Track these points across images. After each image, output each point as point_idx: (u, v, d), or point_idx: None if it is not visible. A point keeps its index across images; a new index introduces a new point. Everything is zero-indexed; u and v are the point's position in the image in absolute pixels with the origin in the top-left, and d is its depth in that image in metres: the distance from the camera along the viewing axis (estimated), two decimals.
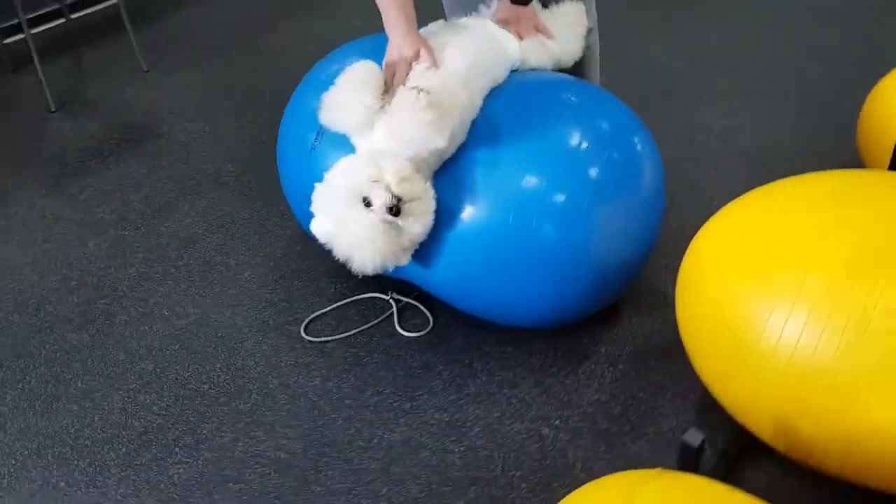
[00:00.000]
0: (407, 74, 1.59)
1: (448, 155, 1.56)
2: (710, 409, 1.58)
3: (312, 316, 1.88)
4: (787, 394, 1.26)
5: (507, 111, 1.60)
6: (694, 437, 1.18)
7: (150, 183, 2.42)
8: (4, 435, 1.66)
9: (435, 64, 1.58)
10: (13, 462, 1.60)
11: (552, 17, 1.81)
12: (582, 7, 1.83)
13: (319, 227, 1.59)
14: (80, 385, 1.76)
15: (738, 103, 2.62)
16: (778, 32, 3.03)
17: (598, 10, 1.92)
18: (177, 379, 1.76)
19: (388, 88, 1.56)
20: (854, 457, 1.24)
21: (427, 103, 1.42)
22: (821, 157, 2.31)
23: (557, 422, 1.60)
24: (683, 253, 1.49)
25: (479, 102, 1.59)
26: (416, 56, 1.59)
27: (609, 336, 1.78)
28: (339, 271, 2.00)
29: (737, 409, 1.39)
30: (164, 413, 1.68)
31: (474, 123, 1.58)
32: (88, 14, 3.52)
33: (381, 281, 1.87)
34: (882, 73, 2.10)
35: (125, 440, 1.63)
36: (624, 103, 1.69)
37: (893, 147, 1.80)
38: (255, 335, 1.86)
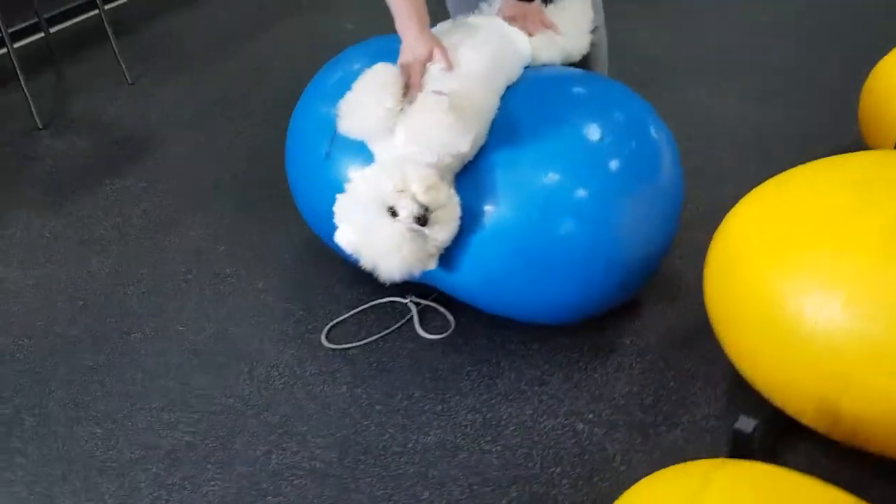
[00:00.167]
0: (422, 75, 1.58)
1: (469, 157, 1.55)
2: (741, 394, 1.59)
3: (332, 323, 1.86)
4: (829, 374, 1.28)
5: (524, 109, 1.60)
6: (746, 423, 1.18)
7: (149, 197, 2.38)
8: (27, 461, 1.62)
9: (450, 64, 1.57)
10: (40, 490, 1.56)
11: (557, 13, 1.81)
12: (587, 1, 1.83)
13: (344, 238, 1.58)
14: (100, 407, 1.72)
15: (733, 86, 2.64)
16: (771, 13, 3.06)
17: None
18: (201, 395, 1.73)
19: (406, 91, 1.55)
20: None
21: (449, 107, 1.41)
22: (820, 136, 2.34)
23: (591, 416, 1.60)
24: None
25: (496, 102, 1.58)
26: (430, 56, 1.58)
27: (632, 328, 1.79)
28: (353, 277, 1.98)
29: (775, 392, 1.40)
30: (191, 430, 1.65)
31: (492, 123, 1.57)
32: (68, 27, 3.45)
33: (397, 284, 1.85)
34: (879, 51, 2.13)
35: (154, 460, 1.60)
36: (638, 94, 1.69)
37: None
38: (275, 346, 1.83)
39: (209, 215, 2.28)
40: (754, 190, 1.48)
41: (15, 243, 2.24)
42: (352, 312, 1.89)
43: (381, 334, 1.83)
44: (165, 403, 1.72)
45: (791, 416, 1.41)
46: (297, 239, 2.16)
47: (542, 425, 1.59)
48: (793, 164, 1.54)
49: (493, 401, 1.66)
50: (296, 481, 1.53)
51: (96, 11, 3.08)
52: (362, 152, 1.63)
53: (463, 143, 1.46)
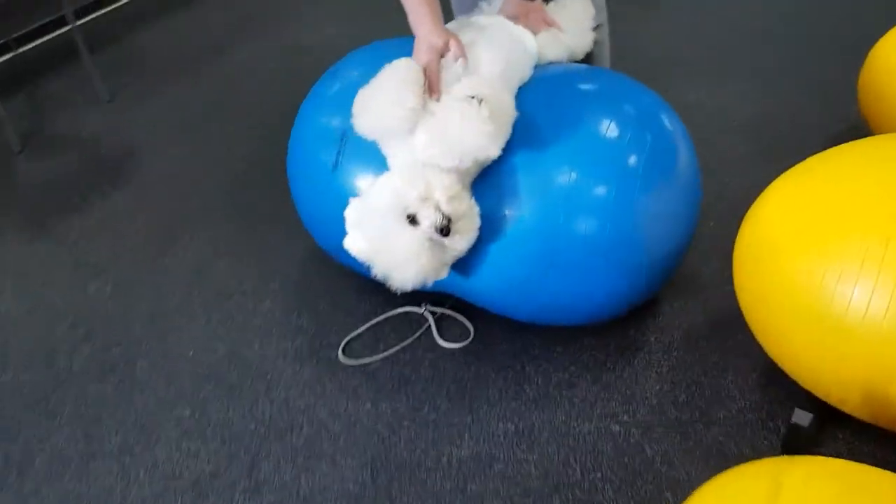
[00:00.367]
0: (437, 67, 1.52)
1: (489, 162, 1.51)
2: (774, 386, 1.57)
3: (348, 338, 1.81)
4: (876, 362, 1.26)
5: (538, 108, 1.56)
6: (803, 417, 1.16)
7: (141, 216, 2.30)
8: (41, 503, 1.55)
9: (465, 56, 1.53)
10: None
11: (558, 10, 1.78)
12: None
13: (355, 245, 1.53)
14: (114, 440, 1.65)
15: (727, 79, 2.64)
16: (760, 5, 3.07)
17: None
18: (219, 421, 1.67)
19: (428, 90, 1.49)
20: None
21: (489, 113, 1.37)
22: (821, 126, 2.34)
23: (625, 417, 1.57)
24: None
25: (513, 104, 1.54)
26: (446, 46, 1.52)
27: (655, 324, 1.76)
28: (362, 288, 1.93)
29: (818, 382, 1.37)
30: (213, 458, 1.59)
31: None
32: (38, 45, 3.34)
33: (409, 293, 1.80)
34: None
35: (178, 492, 1.53)
36: (649, 88, 1.66)
37: None
38: (291, 365, 1.77)
39: (206, 231, 2.21)
40: (782, 176, 1.46)
41: (5, 271, 2.16)
42: (367, 325, 1.84)
43: (399, 346, 1.78)
44: (182, 432, 1.65)
45: (832, 406, 1.39)
46: (299, 251, 2.10)
47: (577, 430, 1.56)
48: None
49: (523, 408, 1.62)
50: None
51: (65, 29, 2.98)
52: (372, 162, 1.58)
53: (495, 149, 1.42)
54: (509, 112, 1.45)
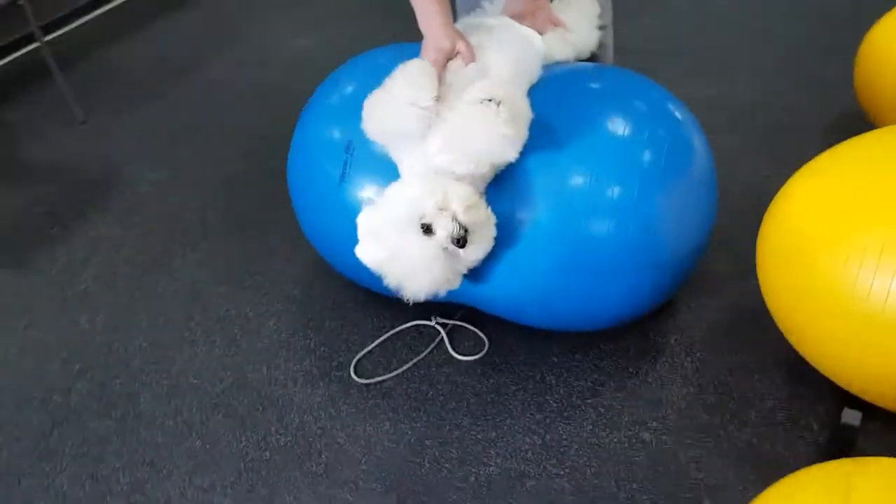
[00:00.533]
0: (444, 67, 1.48)
1: (504, 166, 1.46)
2: (802, 383, 1.55)
3: (359, 356, 1.75)
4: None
5: (550, 109, 1.51)
6: (852, 416, 1.13)
7: (129, 241, 2.21)
8: None
9: (474, 57, 1.48)
10: None
11: (563, 9, 1.74)
12: None
13: (367, 254, 1.47)
14: (122, 479, 1.57)
15: (720, 70, 2.63)
16: (760, 5, 3.07)
17: None
18: (232, 452, 1.59)
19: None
20: None
21: (509, 117, 1.32)
22: (818, 114, 2.33)
23: (655, 423, 1.53)
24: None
25: None
26: (454, 48, 1.48)
27: (674, 326, 1.73)
28: (368, 303, 1.88)
29: (854, 378, 1.35)
30: (230, 492, 1.51)
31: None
32: (4, 64, 3.22)
33: (417, 305, 1.74)
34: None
35: None
36: (659, 85, 1.63)
37: None
38: (303, 388, 1.71)
39: (198, 253, 2.13)
40: (802, 168, 1.43)
41: None
42: (377, 342, 1.78)
43: (412, 362, 1.73)
44: (194, 466, 1.57)
45: (867, 401, 1.36)
46: (298, 267, 2.03)
47: (606, 440, 1.52)
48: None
49: (548, 420, 1.57)
50: None
51: (33, 46, 2.87)
52: (380, 173, 1.53)
53: (513, 153, 1.37)
54: (526, 114, 1.40)
